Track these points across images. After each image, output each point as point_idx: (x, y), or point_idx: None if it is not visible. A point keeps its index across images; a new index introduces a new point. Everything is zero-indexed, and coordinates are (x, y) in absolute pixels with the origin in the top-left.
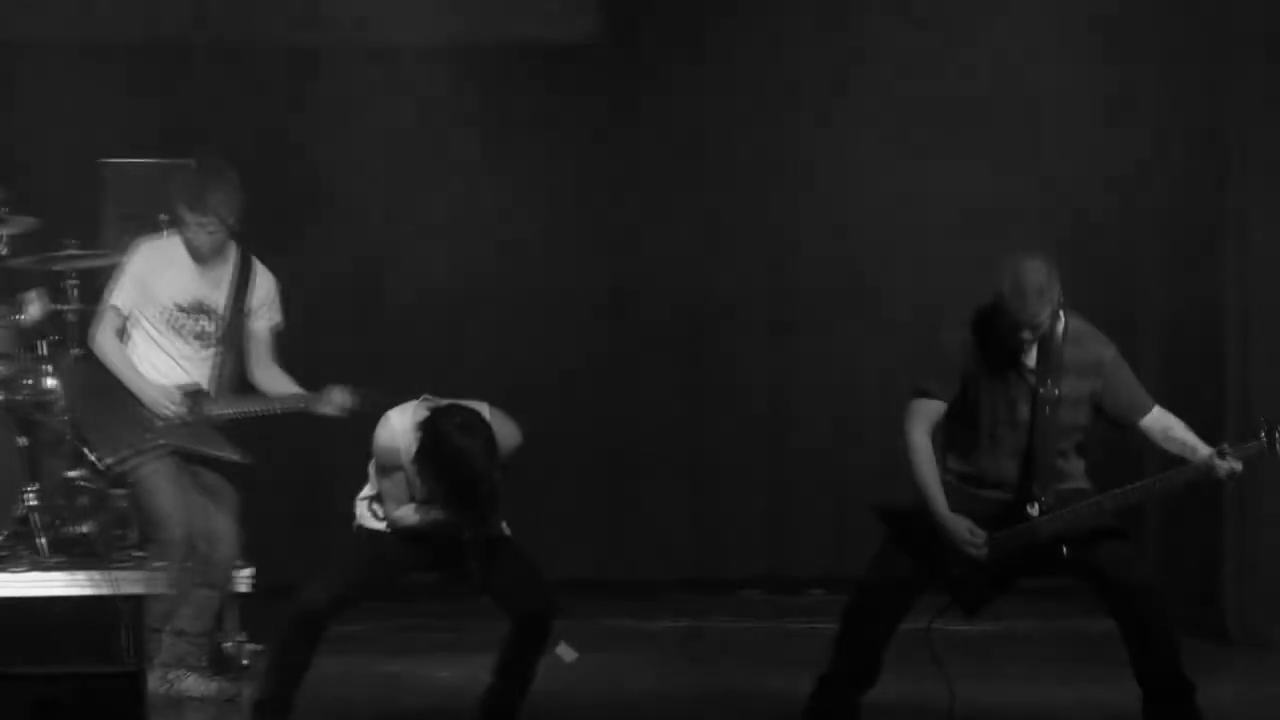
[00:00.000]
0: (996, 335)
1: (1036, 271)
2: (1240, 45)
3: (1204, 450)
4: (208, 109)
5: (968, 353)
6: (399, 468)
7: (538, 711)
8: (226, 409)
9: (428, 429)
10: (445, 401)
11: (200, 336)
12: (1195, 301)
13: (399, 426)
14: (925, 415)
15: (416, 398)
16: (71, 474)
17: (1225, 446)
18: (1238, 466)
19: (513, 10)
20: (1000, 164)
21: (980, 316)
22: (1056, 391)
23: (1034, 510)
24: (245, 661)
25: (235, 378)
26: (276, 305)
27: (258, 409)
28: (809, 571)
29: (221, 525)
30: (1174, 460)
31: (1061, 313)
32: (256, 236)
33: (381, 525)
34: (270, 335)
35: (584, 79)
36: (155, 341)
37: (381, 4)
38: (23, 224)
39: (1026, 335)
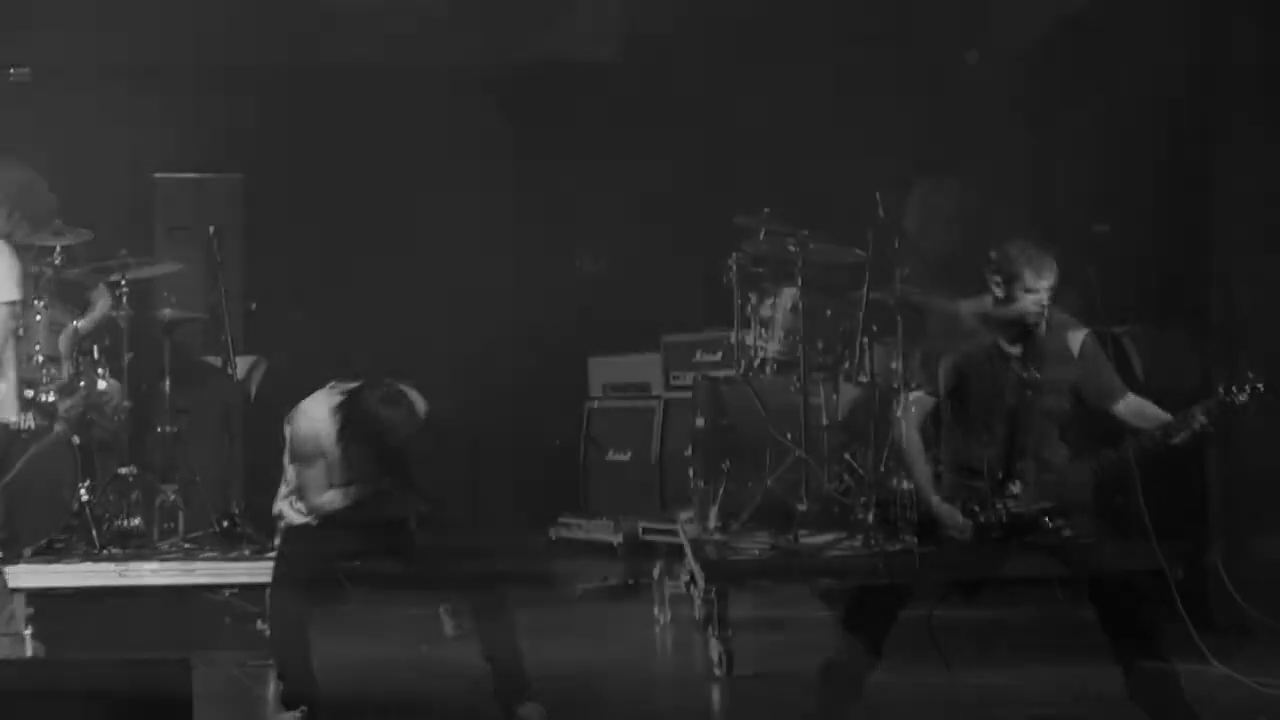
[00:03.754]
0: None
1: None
2: (1233, 59)
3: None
4: (248, 126)
5: (959, 346)
6: (320, 454)
7: (561, 697)
8: None
9: (351, 406)
10: (355, 384)
11: None
12: (1185, 305)
13: (316, 414)
14: (917, 409)
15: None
16: (123, 470)
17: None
18: (1204, 419)
19: (541, 32)
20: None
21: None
22: (1038, 376)
23: (1015, 488)
24: None
25: None
26: None
27: None
28: None
29: None
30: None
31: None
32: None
33: (308, 519)
34: None
35: (609, 99)
36: None
37: (410, 25)
38: (78, 235)
39: (1031, 320)
